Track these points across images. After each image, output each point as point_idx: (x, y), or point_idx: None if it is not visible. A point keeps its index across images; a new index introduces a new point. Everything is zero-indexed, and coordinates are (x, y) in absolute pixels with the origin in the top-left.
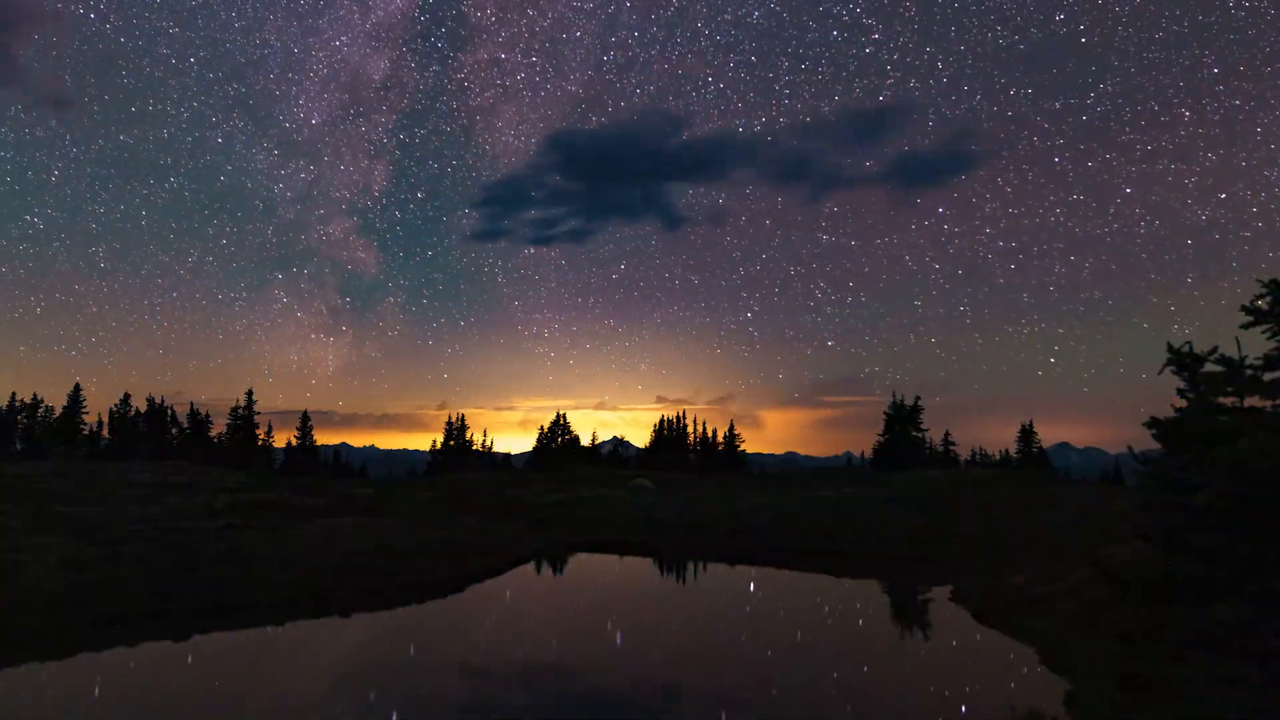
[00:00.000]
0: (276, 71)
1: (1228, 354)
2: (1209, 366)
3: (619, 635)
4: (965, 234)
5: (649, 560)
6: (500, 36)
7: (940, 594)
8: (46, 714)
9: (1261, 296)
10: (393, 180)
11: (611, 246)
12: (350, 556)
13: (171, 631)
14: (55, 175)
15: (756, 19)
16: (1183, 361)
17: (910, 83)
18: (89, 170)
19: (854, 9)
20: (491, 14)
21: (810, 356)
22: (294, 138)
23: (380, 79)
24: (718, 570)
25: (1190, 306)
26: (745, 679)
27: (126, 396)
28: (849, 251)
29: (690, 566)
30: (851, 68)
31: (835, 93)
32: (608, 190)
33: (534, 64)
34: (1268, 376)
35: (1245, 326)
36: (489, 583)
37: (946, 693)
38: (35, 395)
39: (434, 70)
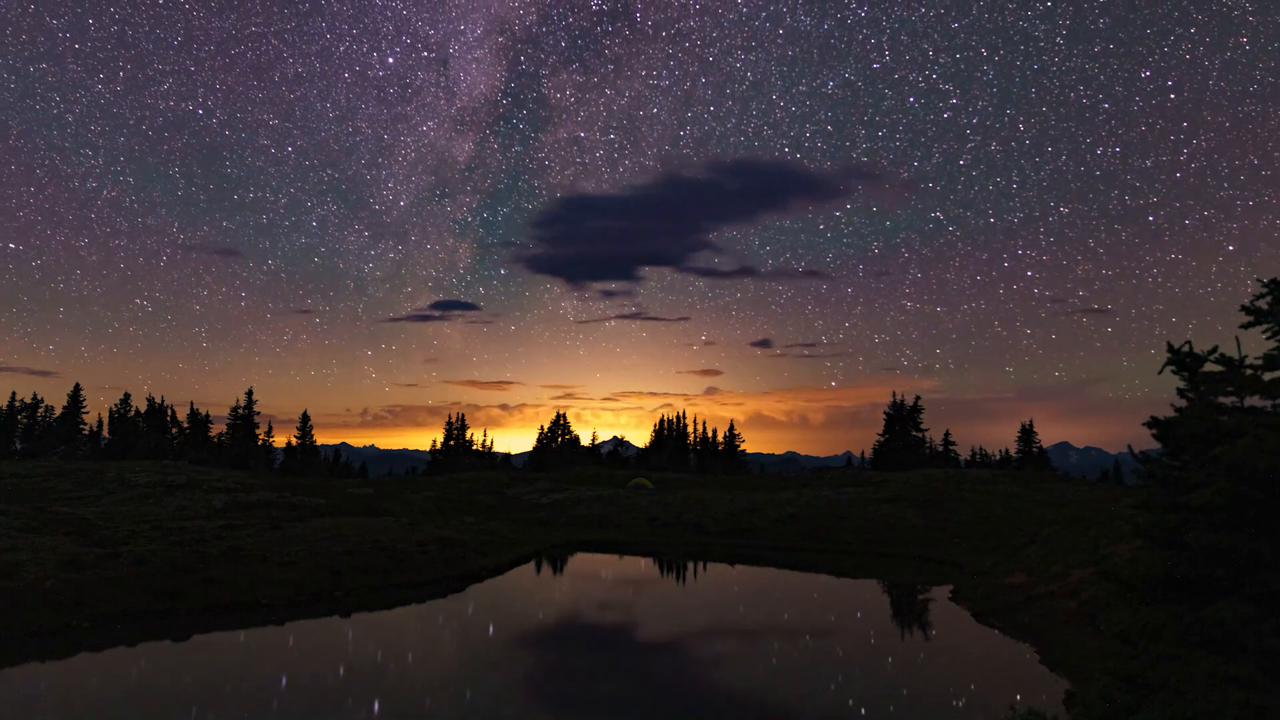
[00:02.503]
0: (367, 157)
1: (1228, 354)
2: (1209, 366)
3: (619, 636)
4: (1057, 298)
5: (649, 560)
6: (579, 116)
7: (940, 593)
8: (47, 714)
9: (1261, 296)
10: (476, 257)
11: (692, 318)
12: (350, 556)
13: (171, 631)
14: (164, 261)
15: (831, 89)
16: (1183, 361)
17: (991, 145)
18: (194, 255)
19: (930, 75)
20: (571, 94)
21: None
22: (383, 219)
23: (465, 161)
24: (718, 570)
25: None
26: (748, 679)
27: (126, 396)
28: (934, 318)
29: (690, 566)
30: (930, 133)
31: (915, 159)
32: (687, 260)
33: (612, 141)
34: (1268, 376)
35: (1245, 326)
36: (489, 582)
37: (947, 692)
38: (35, 395)
39: (516, 150)
